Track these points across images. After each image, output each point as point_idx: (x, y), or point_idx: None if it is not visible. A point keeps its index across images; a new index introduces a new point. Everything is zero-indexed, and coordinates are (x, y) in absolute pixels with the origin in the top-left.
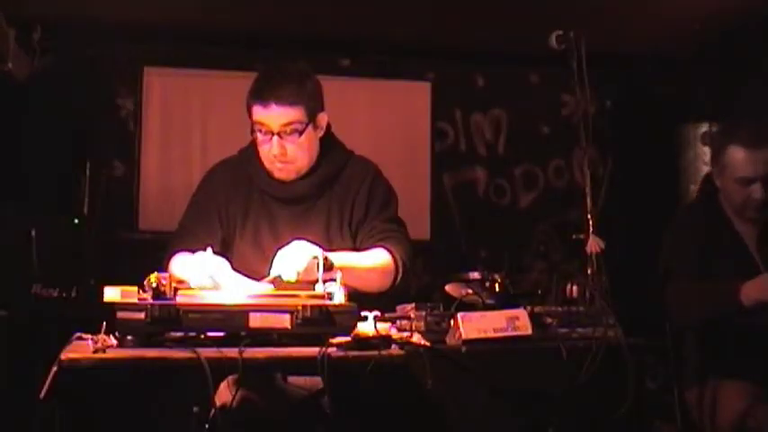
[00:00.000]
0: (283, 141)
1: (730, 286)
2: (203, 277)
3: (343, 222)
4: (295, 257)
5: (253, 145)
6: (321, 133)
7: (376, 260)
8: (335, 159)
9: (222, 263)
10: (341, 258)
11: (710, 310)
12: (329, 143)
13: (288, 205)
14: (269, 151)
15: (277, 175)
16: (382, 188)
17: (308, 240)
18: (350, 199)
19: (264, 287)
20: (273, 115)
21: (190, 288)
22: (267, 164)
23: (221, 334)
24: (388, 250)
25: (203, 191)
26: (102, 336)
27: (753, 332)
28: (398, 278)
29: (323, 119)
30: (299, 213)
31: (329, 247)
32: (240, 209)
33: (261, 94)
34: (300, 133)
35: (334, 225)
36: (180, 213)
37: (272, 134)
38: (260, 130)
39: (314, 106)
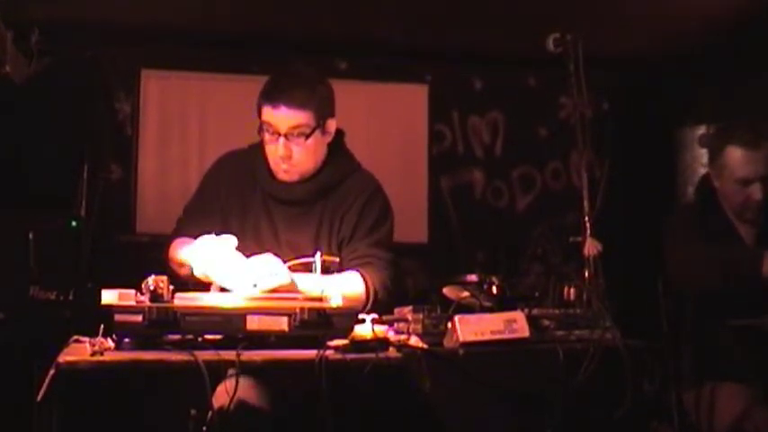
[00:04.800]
0: (290, 143)
1: (754, 253)
2: (205, 263)
3: (332, 234)
4: (263, 276)
5: (261, 143)
6: (329, 139)
7: (344, 288)
8: (338, 168)
9: (226, 241)
10: (308, 282)
11: (729, 275)
12: (337, 150)
13: (284, 205)
14: (275, 152)
15: (281, 176)
16: (376, 208)
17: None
18: (341, 213)
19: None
20: (282, 117)
21: (191, 272)
22: (273, 164)
23: (219, 336)
24: (363, 277)
25: (209, 180)
26: (99, 338)
27: (750, 334)
28: (368, 306)
29: (332, 125)
30: (295, 215)
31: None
32: (241, 203)
33: (271, 94)
34: (307, 137)
35: (324, 235)
36: (177, 216)
37: (279, 135)
38: (267, 131)
39: (323, 111)
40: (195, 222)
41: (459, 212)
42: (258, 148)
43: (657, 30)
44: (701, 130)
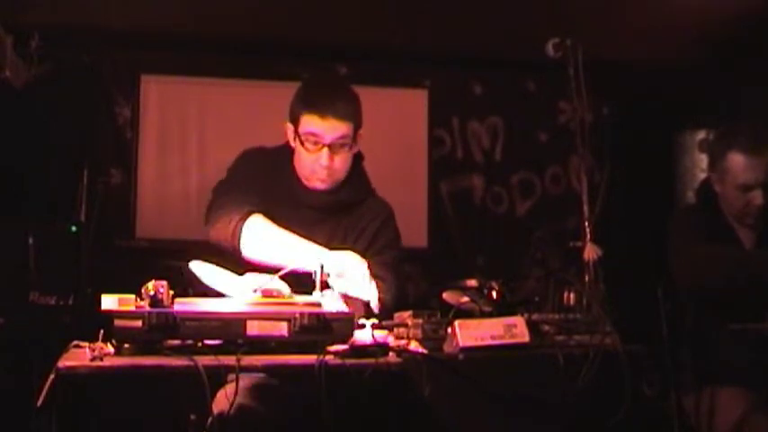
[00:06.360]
0: (333, 154)
1: (762, 253)
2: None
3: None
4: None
5: (287, 148)
6: (357, 149)
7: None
8: (356, 189)
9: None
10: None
11: (736, 274)
12: (357, 169)
13: (304, 209)
14: (315, 161)
15: (317, 184)
16: (389, 233)
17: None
18: (355, 233)
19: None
20: (329, 128)
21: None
22: (308, 172)
23: (218, 342)
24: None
25: (238, 166)
26: (99, 344)
27: (750, 337)
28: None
29: (361, 136)
30: (312, 219)
31: None
32: (261, 197)
33: (317, 105)
34: (350, 148)
35: (335, 246)
36: (177, 221)
37: (323, 145)
38: (308, 140)
39: (358, 122)
40: (232, 196)
41: (459, 217)
42: (284, 152)
43: (657, 34)
44: (701, 134)
